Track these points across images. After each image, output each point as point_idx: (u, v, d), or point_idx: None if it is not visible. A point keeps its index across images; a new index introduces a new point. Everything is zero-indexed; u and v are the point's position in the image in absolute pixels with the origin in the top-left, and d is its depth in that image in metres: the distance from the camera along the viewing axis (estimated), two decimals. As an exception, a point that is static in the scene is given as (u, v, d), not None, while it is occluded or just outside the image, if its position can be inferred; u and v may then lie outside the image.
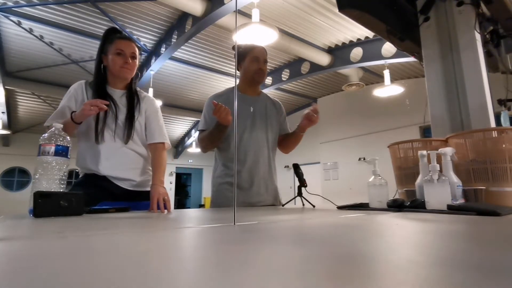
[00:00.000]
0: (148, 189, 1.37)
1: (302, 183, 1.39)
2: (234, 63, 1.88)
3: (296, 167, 1.44)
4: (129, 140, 1.41)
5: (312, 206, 1.33)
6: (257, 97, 1.72)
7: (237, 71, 1.75)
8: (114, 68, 1.39)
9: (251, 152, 1.60)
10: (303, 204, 1.38)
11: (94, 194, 1.30)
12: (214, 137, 1.55)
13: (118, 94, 1.44)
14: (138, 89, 1.54)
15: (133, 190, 1.42)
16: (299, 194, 1.38)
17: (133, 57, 1.41)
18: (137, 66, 1.46)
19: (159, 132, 1.49)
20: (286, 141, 1.76)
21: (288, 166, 10.68)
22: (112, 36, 1.42)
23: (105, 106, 1.22)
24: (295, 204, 1.46)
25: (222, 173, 1.63)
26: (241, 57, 1.69)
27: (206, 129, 1.59)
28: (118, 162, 1.39)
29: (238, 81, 1.73)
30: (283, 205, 1.53)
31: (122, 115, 1.42)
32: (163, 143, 1.49)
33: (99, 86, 1.40)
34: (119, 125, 1.40)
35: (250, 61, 1.64)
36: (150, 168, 1.49)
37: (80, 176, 1.42)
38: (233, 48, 1.82)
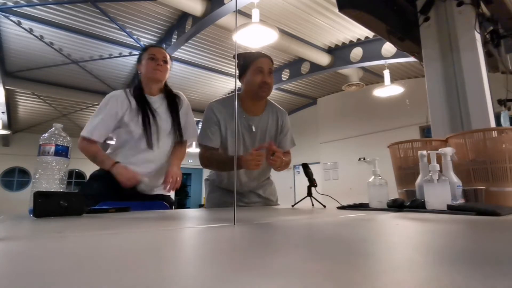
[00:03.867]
0: (156, 192, 1.49)
1: (312, 183, 1.37)
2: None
3: (306, 167, 1.40)
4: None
5: (322, 206, 1.31)
6: (259, 116, 1.55)
7: (239, 82, 1.59)
8: (147, 71, 1.48)
9: (247, 171, 1.53)
10: (313, 204, 1.36)
11: (104, 190, 1.36)
12: (226, 168, 1.49)
13: (156, 100, 1.52)
14: (172, 90, 1.61)
15: (140, 193, 1.45)
16: (309, 194, 1.36)
17: (165, 61, 1.51)
18: (169, 71, 1.55)
19: (192, 129, 1.59)
20: None
21: (288, 166, 10.66)
22: (147, 47, 1.56)
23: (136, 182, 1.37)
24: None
25: (214, 178, 1.65)
26: (243, 68, 1.51)
27: (212, 146, 1.48)
28: (154, 170, 1.45)
29: (240, 92, 1.57)
30: (292, 206, 1.42)
31: (165, 124, 1.49)
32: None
33: (140, 94, 1.49)
34: (163, 132, 1.47)
35: (253, 73, 1.46)
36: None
37: (98, 169, 1.45)
38: (234, 57, 1.66)
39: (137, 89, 1.50)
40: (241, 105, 1.53)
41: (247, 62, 1.49)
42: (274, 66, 1.56)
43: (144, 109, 1.45)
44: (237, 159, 1.36)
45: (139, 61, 1.54)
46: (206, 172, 1.70)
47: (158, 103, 1.51)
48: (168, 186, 1.37)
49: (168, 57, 1.54)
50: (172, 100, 1.54)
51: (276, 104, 1.66)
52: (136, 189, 1.41)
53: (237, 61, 1.59)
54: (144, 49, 1.56)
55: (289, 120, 1.68)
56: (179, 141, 1.54)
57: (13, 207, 9.49)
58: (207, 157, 1.48)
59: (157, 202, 1.44)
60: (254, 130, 1.53)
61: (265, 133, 1.56)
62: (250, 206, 1.60)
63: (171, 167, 1.43)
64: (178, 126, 1.52)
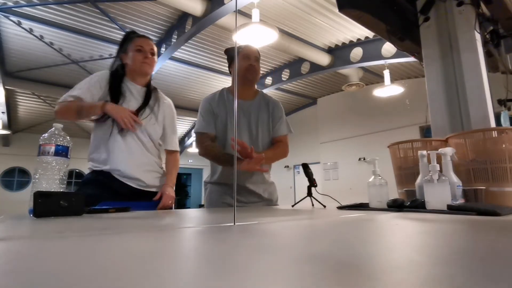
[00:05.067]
0: (154, 190, 1.46)
1: (312, 183, 1.37)
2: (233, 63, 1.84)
3: (306, 167, 1.40)
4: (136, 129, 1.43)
5: (323, 207, 1.31)
6: (251, 101, 1.65)
7: (230, 74, 1.72)
8: (134, 64, 1.44)
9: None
10: (313, 204, 1.36)
11: (99, 195, 1.30)
12: (220, 164, 1.58)
13: (137, 89, 1.48)
14: (159, 90, 1.61)
15: (140, 190, 1.43)
16: (309, 194, 1.37)
17: (152, 53, 1.47)
18: (156, 63, 1.52)
19: (175, 141, 1.60)
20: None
21: (288, 166, 10.66)
22: (132, 35, 1.50)
23: (134, 126, 1.33)
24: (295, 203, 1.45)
25: (212, 176, 1.67)
26: (232, 59, 1.66)
27: (206, 132, 1.57)
28: (129, 158, 1.39)
29: (231, 84, 1.70)
30: (292, 206, 1.44)
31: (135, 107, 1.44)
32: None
33: (115, 79, 1.44)
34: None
35: (240, 60, 1.60)
36: (160, 169, 1.53)
37: (87, 173, 1.41)
38: (225, 52, 1.80)
39: (117, 75, 1.45)
40: (232, 93, 1.64)
41: (235, 53, 1.63)
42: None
43: (118, 89, 1.40)
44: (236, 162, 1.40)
45: (124, 51, 1.47)
46: (206, 172, 1.70)
47: (137, 91, 1.47)
48: (160, 206, 1.42)
49: (155, 49, 1.50)
50: (149, 94, 1.51)
51: (268, 95, 1.77)
52: (131, 189, 1.39)
53: (226, 56, 1.74)
54: (129, 37, 1.49)
55: (283, 109, 1.74)
56: (169, 151, 1.58)
57: (13, 207, 9.49)
58: (205, 147, 1.56)
59: (157, 202, 1.44)
60: (247, 113, 1.61)
61: (258, 116, 1.64)
62: (249, 206, 1.60)
63: (167, 189, 1.45)
64: (138, 113, 1.45)
